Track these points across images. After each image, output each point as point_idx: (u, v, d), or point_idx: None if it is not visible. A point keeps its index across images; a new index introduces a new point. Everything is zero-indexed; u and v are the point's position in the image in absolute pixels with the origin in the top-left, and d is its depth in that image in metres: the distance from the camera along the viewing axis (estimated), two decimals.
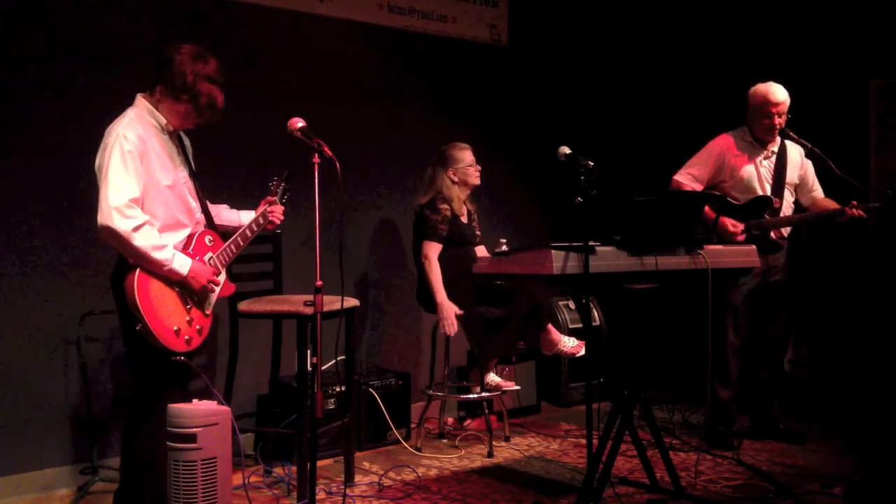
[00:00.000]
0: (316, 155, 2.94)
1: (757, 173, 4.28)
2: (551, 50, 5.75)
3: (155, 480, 2.89)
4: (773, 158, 4.30)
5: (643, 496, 3.49)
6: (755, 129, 4.27)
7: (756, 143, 4.29)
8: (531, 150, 5.40)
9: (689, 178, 4.32)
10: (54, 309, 3.74)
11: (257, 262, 3.98)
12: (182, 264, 2.87)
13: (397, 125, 4.94)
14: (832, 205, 4.22)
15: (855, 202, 4.06)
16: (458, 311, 4.23)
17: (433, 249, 4.31)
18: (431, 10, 5.12)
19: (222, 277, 3.08)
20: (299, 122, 2.99)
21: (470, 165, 4.45)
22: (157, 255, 2.79)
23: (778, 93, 4.19)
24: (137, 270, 2.79)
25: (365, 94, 4.84)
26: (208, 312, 3.00)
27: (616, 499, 3.39)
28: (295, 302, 3.65)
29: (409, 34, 5.03)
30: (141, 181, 2.79)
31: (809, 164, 4.38)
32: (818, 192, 4.39)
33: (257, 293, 3.90)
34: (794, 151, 4.34)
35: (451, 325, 4.23)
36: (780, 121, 4.18)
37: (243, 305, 3.77)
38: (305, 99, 4.42)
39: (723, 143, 4.33)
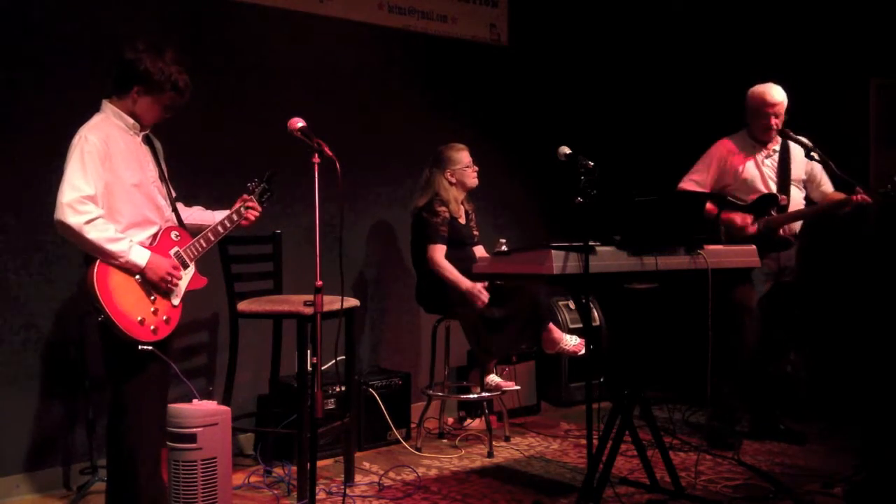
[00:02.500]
0: (316, 155, 2.94)
1: (760, 173, 4.27)
2: (551, 50, 5.75)
3: (143, 480, 2.87)
4: (776, 156, 4.29)
5: (643, 496, 3.49)
6: (754, 129, 4.27)
7: (756, 143, 4.29)
8: (531, 150, 5.39)
9: (692, 184, 4.32)
10: (54, 308, 3.74)
11: (257, 262, 3.98)
12: (139, 256, 2.87)
13: (397, 125, 4.93)
14: (841, 197, 4.14)
15: (860, 188, 4.02)
16: (484, 283, 4.18)
17: (439, 252, 4.28)
18: (431, 9, 5.12)
19: (190, 270, 3.08)
20: (299, 122, 2.99)
21: (467, 166, 4.43)
22: (113, 247, 2.80)
23: (775, 94, 4.18)
24: (97, 262, 2.81)
25: (364, 93, 4.84)
26: (176, 303, 3.00)
27: (616, 499, 3.39)
28: (295, 302, 3.65)
29: (409, 34, 5.03)
30: (101, 180, 2.82)
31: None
32: (827, 186, 4.33)
33: (257, 293, 3.90)
34: (798, 148, 4.30)
35: (484, 295, 4.16)
36: (777, 121, 4.17)
37: (243, 305, 3.77)
38: (305, 99, 4.42)
39: (723, 147, 4.32)
